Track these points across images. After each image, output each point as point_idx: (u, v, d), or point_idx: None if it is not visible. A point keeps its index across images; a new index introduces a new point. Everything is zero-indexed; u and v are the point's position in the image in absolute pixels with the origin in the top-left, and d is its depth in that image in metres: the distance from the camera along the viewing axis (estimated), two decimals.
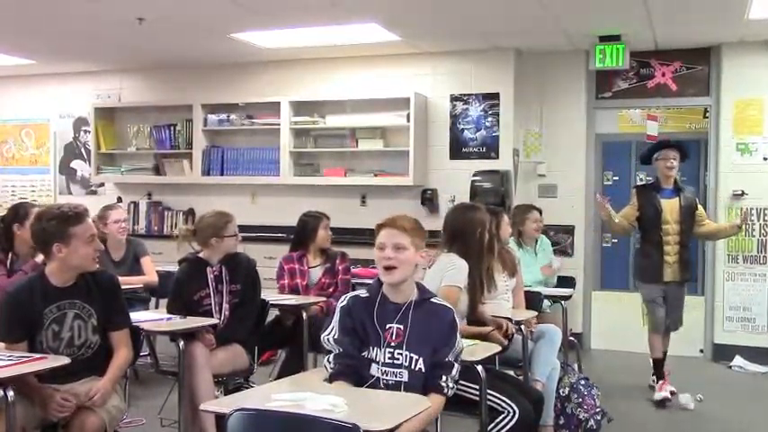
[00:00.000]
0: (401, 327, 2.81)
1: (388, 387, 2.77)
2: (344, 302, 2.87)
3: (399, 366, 2.79)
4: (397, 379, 2.78)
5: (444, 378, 2.77)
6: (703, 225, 5.64)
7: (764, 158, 6.53)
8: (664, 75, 6.97)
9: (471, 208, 4.11)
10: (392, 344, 2.79)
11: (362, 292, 2.90)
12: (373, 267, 4.65)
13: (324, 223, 5.21)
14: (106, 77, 8.32)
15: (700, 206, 5.68)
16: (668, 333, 5.65)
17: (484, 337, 3.67)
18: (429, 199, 7.13)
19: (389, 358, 2.79)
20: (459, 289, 3.72)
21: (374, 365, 2.79)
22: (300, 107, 7.45)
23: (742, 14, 5.59)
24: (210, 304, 4.20)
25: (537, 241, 5.73)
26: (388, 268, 2.80)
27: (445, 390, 2.77)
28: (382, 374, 2.78)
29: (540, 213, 5.71)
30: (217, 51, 7.21)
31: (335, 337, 2.82)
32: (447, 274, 3.72)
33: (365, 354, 2.81)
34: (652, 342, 5.60)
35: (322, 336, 2.85)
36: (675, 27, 6.17)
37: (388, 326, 2.81)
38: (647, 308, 5.69)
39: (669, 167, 5.52)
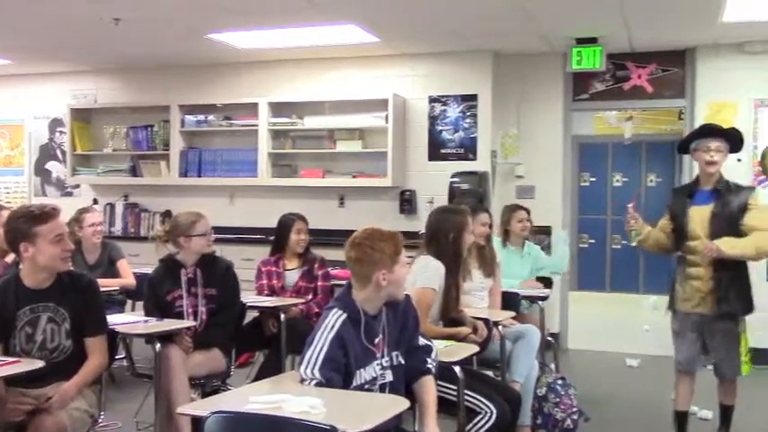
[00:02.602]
0: (382, 335, 2.83)
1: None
2: (332, 333, 2.67)
3: (384, 368, 2.82)
4: (382, 382, 2.81)
5: (429, 360, 2.93)
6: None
7: (738, 160, 6.58)
8: (640, 77, 7.03)
9: (450, 210, 4.12)
10: (378, 355, 2.80)
11: (339, 314, 2.73)
12: None
13: (296, 226, 5.10)
14: (82, 78, 8.25)
15: (752, 211, 4.13)
16: (724, 381, 4.34)
17: (461, 339, 3.68)
18: (407, 200, 7.14)
19: (380, 369, 2.80)
20: (432, 291, 3.73)
21: (367, 385, 2.77)
22: (278, 108, 7.42)
23: (716, 18, 5.65)
24: (183, 306, 4.16)
25: (525, 244, 5.63)
26: None
27: (433, 369, 2.93)
28: (372, 387, 2.79)
29: (528, 213, 5.62)
30: (194, 52, 7.17)
31: (321, 371, 2.60)
32: (421, 276, 3.73)
33: (357, 381, 2.72)
34: (675, 386, 4.42)
35: (301, 369, 2.63)
36: (651, 30, 6.23)
37: (376, 340, 2.80)
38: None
39: (709, 162, 4.19)
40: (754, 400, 5.50)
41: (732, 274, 4.15)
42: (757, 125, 6.59)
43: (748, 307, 4.22)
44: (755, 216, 4.10)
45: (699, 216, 4.19)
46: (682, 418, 4.39)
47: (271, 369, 4.56)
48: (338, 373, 2.64)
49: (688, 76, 6.88)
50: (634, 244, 4.52)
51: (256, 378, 4.46)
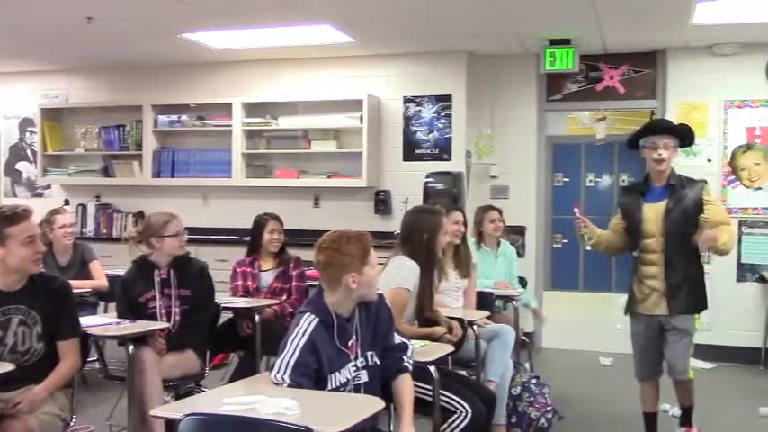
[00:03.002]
0: (356, 336, 2.82)
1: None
2: (303, 339, 2.66)
3: (360, 369, 2.82)
4: (357, 382, 2.81)
5: (405, 358, 2.94)
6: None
7: (709, 160, 6.69)
8: (612, 78, 7.10)
9: (424, 211, 4.12)
10: (352, 356, 2.80)
11: (312, 318, 2.72)
12: None
13: (270, 226, 5.06)
14: (53, 77, 8.15)
15: (711, 205, 4.11)
16: (678, 381, 4.26)
17: (436, 338, 3.69)
18: (382, 200, 7.15)
19: (354, 370, 2.80)
20: (407, 291, 3.73)
21: (341, 388, 2.76)
22: (253, 108, 7.39)
23: (686, 20, 5.72)
24: (156, 307, 4.13)
25: (499, 244, 5.65)
26: None
27: (410, 367, 2.95)
28: (347, 388, 2.78)
29: (501, 214, 5.63)
30: (167, 52, 7.12)
31: (291, 377, 2.60)
32: (396, 276, 3.73)
33: (330, 384, 2.72)
34: (641, 391, 4.39)
35: (272, 374, 2.63)
36: (623, 31, 6.29)
37: (349, 342, 2.80)
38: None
39: (657, 160, 4.08)
40: (718, 396, 5.59)
41: (685, 274, 4.08)
42: (727, 126, 6.68)
43: (701, 305, 4.19)
44: (715, 210, 4.11)
45: (653, 213, 4.09)
46: (650, 419, 4.35)
47: (245, 370, 4.54)
48: (309, 378, 2.64)
49: (659, 77, 6.97)
50: (588, 248, 4.40)
51: (231, 380, 4.44)
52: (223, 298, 4.71)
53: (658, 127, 4.29)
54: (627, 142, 4.32)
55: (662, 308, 4.10)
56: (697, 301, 4.15)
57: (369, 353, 2.86)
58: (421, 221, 3.93)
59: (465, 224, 4.82)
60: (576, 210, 4.37)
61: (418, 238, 3.86)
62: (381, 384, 2.89)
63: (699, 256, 4.17)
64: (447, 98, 7.05)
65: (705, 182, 4.27)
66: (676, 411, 4.63)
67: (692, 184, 4.13)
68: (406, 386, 2.92)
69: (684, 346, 4.13)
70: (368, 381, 2.83)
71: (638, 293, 4.18)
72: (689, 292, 4.09)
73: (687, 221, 4.03)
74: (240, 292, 5.03)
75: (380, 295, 2.97)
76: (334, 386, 2.73)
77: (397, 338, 2.97)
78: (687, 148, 6.74)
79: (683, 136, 4.18)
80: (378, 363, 2.88)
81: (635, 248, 4.18)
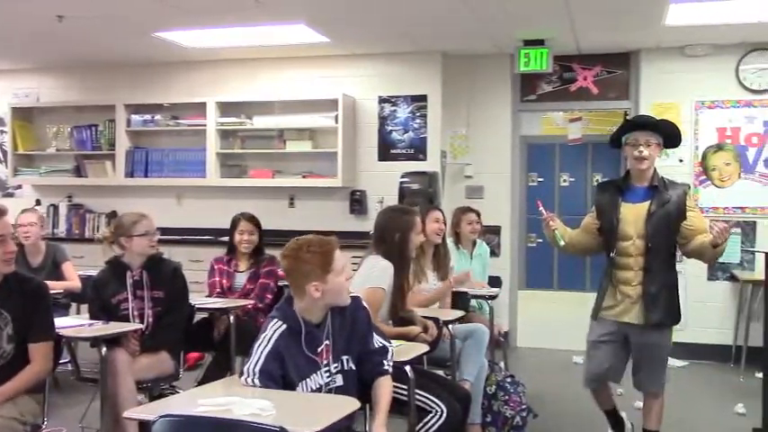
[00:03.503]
0: (328, 342, 2.79)
1: None
2: (269, 346, 2.65)
3: (332, 374, 2.79)
4: (333, 386, 2.79)
5: (385, 362, 2.92)
6: (693, 240, 3.81)
7: (680, 160, 6.76)
8: (585, 78, 7.16)
9: (397, 210, 4.10)
10: (326, 362, 2.78)
11: (281, 326, 2.71)
12: None
13: (240, 226, 5.01)
14: (24, 76, 8.05)
15: (693, 211, 3.88)
16: (647, 396, 4.04)
17: (411, 338, 3.69)
18: (357, 200, 7.14)
19: (328, 376, 2.78)
20: (382, 290, 3.72)
21: (315, 393, 2.74)
22: (227, 108, 7.35)
23: (659, 21, 5.78)
24: (128, 309, 4.09)
25: (475, 244, 5.66)
26: None
27: (390, 370, 2.93)
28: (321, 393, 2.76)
29: (479, 216, 5.62)
30: (140, 50, 7.06)
31: (259, 380, 2.61)
32: (370, 276, 3.73)
33: (300, 390, 2.70)
34: (593, 395, 4.23)
35: (242, 379, 2.64)
36: (596, 32, 6.35)
37: (319, 349, 2.77)
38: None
39: (638, 157, 3.82)
40: (691, 393, 5.66)
41: (663, 281, 3.84)
42: (698, 126, 6.76)
43: (676, 317, 3.93)
44: (699, 218, 3.88)
45: (632, 215, 3.82)
46: (611, 415, 4.24)
47: (217, 371, 4.52)
48: (275, 383, 2.63)
49: (632, 77, 7.03)
50: (562, 244, 4.01)
51: (203, 380, 4.41)
52: (197, 298, 4.67)
53: (641, 122, 4.01)
54: (609, 140, 4.05)
55: (631, 316, 3.86)
56: (674, 312, 3.90)
57: (344, 357, 2.82)
58: (394, 221, 3.90)
59: (445, 223, 4.84)
60: (540, 207, 4.05)
61: (391, 238, 3.84)
62: (359, 388, 2.86)
63: (675, 264, 3.96)
64: (422, 98, 7.07)
65: (688, 186, 4.04)
66: (639, 404, 4.33)
67: (675, 188, 3.89)
68: (384, 388, 2.90)
69: (662, 362, 3.95)
70: (342, 385, 2.80)
71: (610, 298, 3.93)
72: (667, 302, 3.85)
73: (669, 226, 3.80)
74: (217, 289, 4.99)
75: (357, 298, 2.94)
76: (308, 389, 2.71)
77: (377, 342, 2.93)
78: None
79: (669, 135, 3.92)
80: (353, 368, 2.85)
81: (611, 250, 3.91)
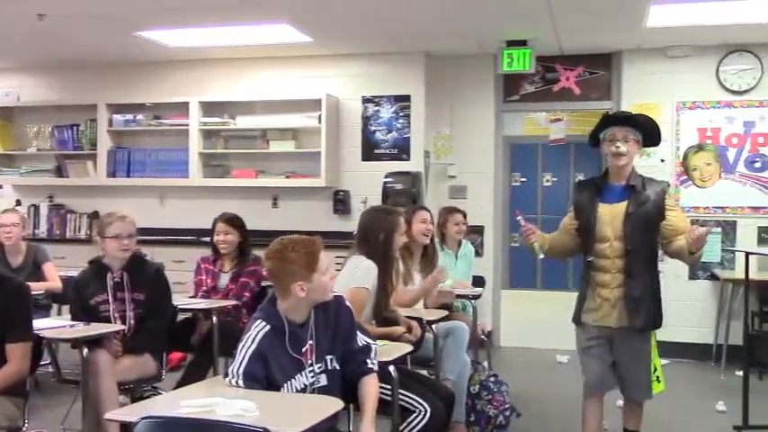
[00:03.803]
0: (312, 342, 2.79)
1: None
2: (253, 346, 2.66)
3: (317, 374, 2.79)
4: (317, 386, 2.78)
5: (369, 361, 2.90)
6: (675, 241, 3.66)
7: (662, 160, 6.81)
8: (568, 79, 7.20)
9: (381, 210, 4.11)
10: (310, 362, 2.77)
11: (265, 326, 2.71)
12: None
13: (217, 227, 4.98)
14: (4, 75, 7.97)
15: (673, 211, 3.72)
16: (630, 402, 3.95)
17: (395, 338, 3.69)
18: (341, 200, 7.14)
19: (312, 376, 2.78)
20: (366, 290, 3.73)
21: (298, 394, 2.74)
22: (210, 108, 7.32)
23: (640, 23, 5.83)
24: (109, 311, 4.05)
25: (461, 245, 5.62)
26: None
27: (374, 369, 2.91)
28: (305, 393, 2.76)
29: (465, 216, 5.58)
30: (122, 50, 7.01)
31: (243, 382, 2.61)
32: (353, 276, 3.73)
33: (285, 390, 2.70)
34: (583, 410, 3.95)
35: (227, 380, 2.65)
36: (579, 33, 6.38)
37: (303, 348, 2.77)
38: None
39: (615, 153, 3.67)
40: (672, 391, 5.69)
41: (644, 284, 3.70)
42: (679, 126, 6.82)
43: (659, 321, 3.81)
44: (679, 216, 3.73)
45: (609, 215, 3.67)
46: None
47: (197, 372, 4.49)
48: (259, 384, 2.63)
49: (614, 78, 7.08)
50: (542, 256, 3.91)
51: (182, 380, 4.37)
52: (180, 299, 4.65)
53: (618, 117, 3.84)
54: (588, 139, 3.88)
55: (612, 320, 3.71)
56: (657, 316, 3.78)
57: (328, 357, 2.82)
58: (378, 221, 3.90)
59: (432, 223, 4.84)
60: (519, 218, 3.92)
61: (374, 238, 3.84)
62: (343, 387, 2.86)
63: (658, 266, 3.80)
64: (406, 98, 7.07)
65: (667, 184, 3.82)
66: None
67: (654, 186, 3.72)
68: (370, 387, 2.89)
69: (646, 366, 3.82)
70: (327, 384, 2.80)
71: (589, 302, 3.78)
72: (650, 306, 3.72)
73: (648, 227, 3.65)
74: (203, 288, 4.96)
75: (340, 297, 2.95)
76: (292, 389, 2.71)
77: (361, 340, 2.93)
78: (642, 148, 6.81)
79: (647, 130, 3.76)
80: (337, 367, 2.84)
81: (588, 252, 3.76)
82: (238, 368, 2.63)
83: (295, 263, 2.71)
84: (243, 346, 2.67)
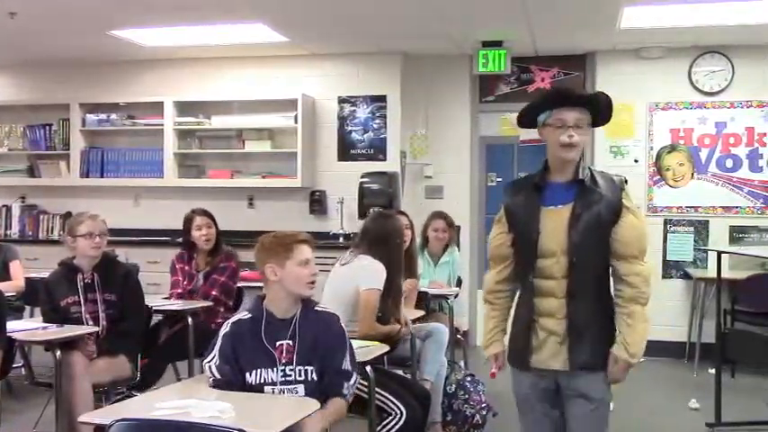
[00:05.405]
0: (291, 342, 2.78)
1: None
2: (227, 329, 2.80)
3: (294, 383, 2.77)
4: (294, 395, 2.76)
5: (345, 386, 2.84)
6: (620, 264, 2.71)
7: (636, 161, 6.88)
8: (543, 80, 7.25)
9: (392, 216, 4.28)
10: (284, 361, 2.76)
11: (245, 315, 2.85)
12: None
13: (196, 222, 4.86)
14: None
15: (628, 216, 2.69)
16: None
17: (395, 336, 3.77)
18: (317, 201, 7.12)
19: (283, 377, 2.76)
20: (379, 291, 3.80)
21: (267, 388, 2.74)
22: (185, 107, 7.28)
23: (614, 24, 5.88)
24: (80, 312, 4.01)
25: (446, 250, 5.54)
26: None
27: (348, 396, 2.86)
28: (279, 393, 2.74)
29: (448, 223, 5.50)
30: (96, 48, 6.94)
31: (216, 364, 2.74)
32: (366, 277, 3.78)
33: (252, 380, 2.73)
34: None
35: (204, 362, 2.80)
36: (553, 34, 6.42)
37: (278, 343, 2.77)
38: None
39: (565, 144, 2.69)
40: (646, 389, 5.76)
41: (592, 309, 2.70)
42: (652, 127, 6.89)
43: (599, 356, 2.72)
44: (632, 225, 2.70)
45: (552, 221, 2.69)
46: None
47: (152, 373, 4.38)
48: (229, 364, 2.74)
49: (588, 79, 7.14)
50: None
51: (139, 382, 4.28)
52: (155, 300, 4.61)
53: (569, 97, 2.75)
54: (518, 118, 2.89)
55: (561, 360, 2.70)
56: (606, 354, 2.72)
57: (308, 367, 2.79)
58: (393, 226, 4.08)
59: (412, 227, 4.89)
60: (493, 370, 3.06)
61: (393, 242, 4.00)
62: (318, 398, 2.80)
63: (610, 287, 2.80)
64: (382, 98, 7.08)
65: (625, 180, 2.79)
66: None
67: (609, 182, 2.73)
68: (337, 406, 2.81)
69: (601, 419, 2.77)
70: (305, 395, 2.76)
71: (532, 337, 2.76)
72: (595, 338, 2.71)
73: (600, 234, 2.67)
74: (178, 290, 4.86)
75: (335, 315, 2.94)
76: (257, 382, 2.73)
77: (347, 364, 2.85)
78: (616, 148, 6.96)
79: (601, 109, 2.83)
80: (315, 379, 2.80)
81: (528, 272, 2.74)
82: (213, 349, 2.76)
83: (270, 246, 2.85)
84: (220, 331, 2.81)
